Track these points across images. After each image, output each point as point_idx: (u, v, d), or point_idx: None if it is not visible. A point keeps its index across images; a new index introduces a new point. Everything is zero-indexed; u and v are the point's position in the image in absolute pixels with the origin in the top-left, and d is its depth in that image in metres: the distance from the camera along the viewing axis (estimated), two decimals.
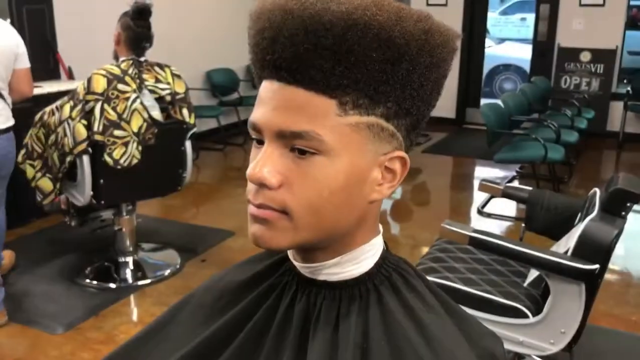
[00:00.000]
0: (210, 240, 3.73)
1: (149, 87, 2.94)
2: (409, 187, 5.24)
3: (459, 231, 1.97)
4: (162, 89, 2.99)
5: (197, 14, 6.05)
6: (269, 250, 0.68)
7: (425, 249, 3.77)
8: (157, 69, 3.03)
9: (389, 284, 0.68)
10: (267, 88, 0.62)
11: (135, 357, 0.80)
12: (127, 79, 2.83)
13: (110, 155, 2.81)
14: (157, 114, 2.95)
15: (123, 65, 2.87)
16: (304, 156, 0.60)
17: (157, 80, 2.99)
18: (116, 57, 2.98)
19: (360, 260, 0.68)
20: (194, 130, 3.21)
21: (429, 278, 2.03)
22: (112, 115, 2.77)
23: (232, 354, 0.71)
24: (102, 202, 2.98)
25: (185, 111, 3.10)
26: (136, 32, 2.92)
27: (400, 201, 4.96)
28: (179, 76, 3.10)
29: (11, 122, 2.82)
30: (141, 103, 2.87)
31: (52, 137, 2.88)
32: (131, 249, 3.35)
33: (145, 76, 2.94)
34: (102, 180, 2.89)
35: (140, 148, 2.88)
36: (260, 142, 0.63)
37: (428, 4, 7.04)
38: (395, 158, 0.64)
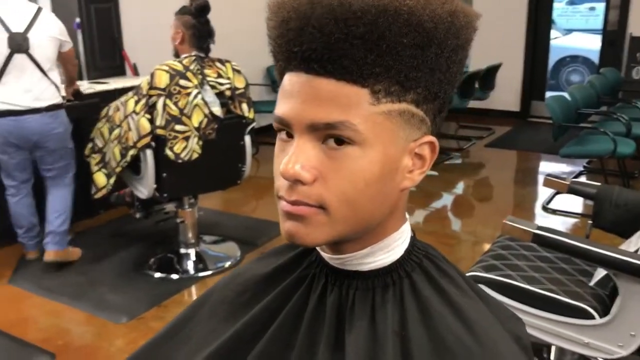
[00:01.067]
0: (269, 233, 3.76)
1: (211, 83, 2.99)
2: (470, 182, 5.14)
3: (522, 228, 1.90)
4: (223, 84, 3.03)
5: (258, 10, 6.08)
6: (305, 246, 0.66)
7: (486, 246, 3.68)
8: (218, 64, 3.07)
9: (420, 270, 0.67)
10: (294, 80, 0.60)
11: (158, 356, 0.79)
12: (189, 74, 2.89)
13: (171, 149, 2.87)
14: (217, 109, 2.99)
15: (185, 62, 2.93)
16: (339, 147, 0.59)
17: (219, 76, 3.03)
18: (177, 56, 3.03)
19: (391, 248, 0.67)
20: (253, 124, 3.24)
21: (491, 276, 1.98)
22: (174, 110, 2.83)
23: (262, 350, 0.70)
24: (165, 195, 3.06)
25: (244, 106, 3.13)
26: (200, 29, 2.97)
27: (462, 196, 4.87)
28: (239, 71, 3.14)
29: (55, 100, 3.13)
30: (202, 99, 2.92)
31: (116, 132, 2.96)
32: (193, 241, 3.42)
33: (207, 71, 2.99)
34: (164, 174, 2.96)
35: (200, 143, 2.93)
36: (287, 140, 0.62)
37: None
38: (425, 143, 0.64)
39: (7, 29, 2.95)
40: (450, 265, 0.70)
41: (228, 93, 3.06)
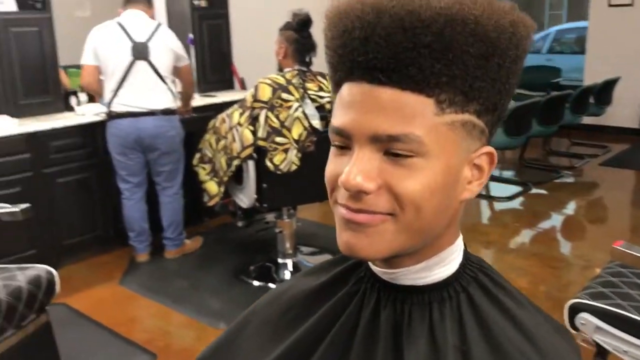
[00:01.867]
0: None
1: (312, 96, 3.03)
2: (582, 203, 4.85)
3: (635, 254, 1.76)
4: (323, 97, 3.06)
5: None
6: (364, 259, 0.64)
7: (597, 272, 3.46)
8: (320, 77, 3.11)
9: (476, 284, 0.67)
10: (355, 90, 0.60)
11: None
12: (291, 88, 2.94)
13: (271, 160, 2.93)
14: (317, 122, 3.02)
15: (288, 75, 2.99)
16: (400, 159, 0.58)
17: (320, 89, 3.07)
18: (280, 70, 3.11)
19: (447, 262, 0.67)
20: None
21: (599, 304, 1.84)
22: (275, 123, 2.89)
23: None
24: (265, 205, 3.12)
25: None
26: (303, 43, 3.03)
27: (573, 217, 4.60)
28: None
29: (170, 105, 3.39)
30: (303, 112, 2.96)
31: (222, 142, 3.07)
32: (291, 251, 3.46)
33: (308, 85, 3.04)
34: (264, 184, 3.03)
35: (299, 155, 2.97)
36: (344, 148, 0.61)
37: (610, 5, 6.47)
38: (484, 154, 0.63)
39: (131, 39, 3.26)
40: (503, 279, 0.69)
41: (328, 106, 3.09)
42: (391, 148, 0.58)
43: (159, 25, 3.38)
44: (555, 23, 14.87)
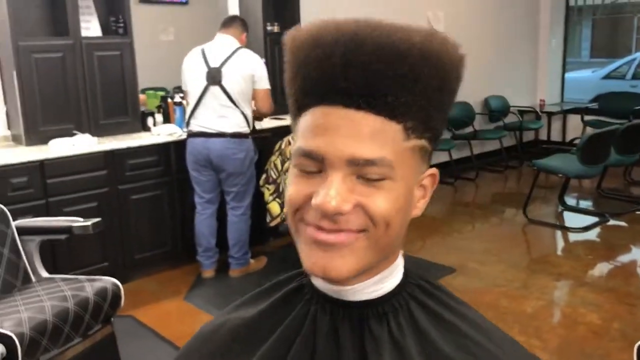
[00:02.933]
0: (430, 275, 3.66)
1: None
2: None
3: None
4: None
5: None
6: (336, 280, 0.63)
7: None
8: None
9: (419, 290, 0.70)
10: (331, 114, 0.61)
11: None
12: None
13: None
14: None
15: None
16: (371, 181, 0.61)
17: None
18: None
19: (395, 273, 0.70)
20: None
21: None
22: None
23: None
24: None
25: None
26: None
27: None
28: None
29: (241, 129, 3.45)
30: None
31: (287, 164, 3.13)
32: None
33: None
34: None
35: None
36: (310, 172, 0.62)
37: None
38: (429, 175, 0.68)
39: (207, 64, 3.41)
40: (437, 282, 0.74)
41: None
42: (365, 172, 0.60)
43: (237, 49, 3.46)
44: None
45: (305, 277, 0.73)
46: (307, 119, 0.63)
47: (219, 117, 3.42)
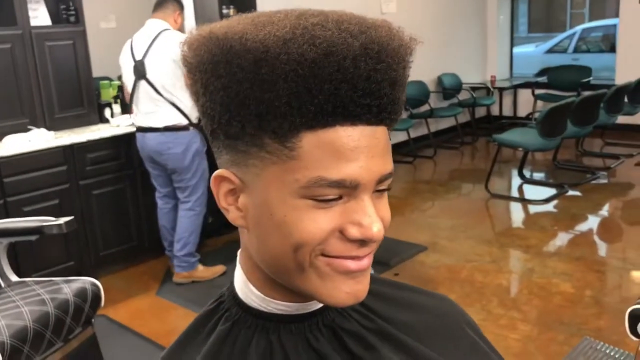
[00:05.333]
0: (402, 254, 3.69)
1: None
2: (619, 204, 4.75)
3: None
4: None
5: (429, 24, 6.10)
6: (356, 303, 0.60)
7: (638, 273, 3.37)
8: None
9: None
10: (354, 134, 0.53)
11: None
12: None
13: None
14: None
15: None
16: (382, 193, 0.58)
17: None
18: None
19: None
20: None
21: None
22: None
23: None
24: None
25: None
26: None
27: (610, 219, 4.50)
28: None
29: (174, 122, 3.20)
30: None
31: None
32: None
33: None
34: None
35: None
36: (333, 200, 0.54)
37: None
38: None
39: (133, 57, 3.21)
40: None
41: None
42: (381, 185, 0.57)
43: (159, 34, 3.15)
44: (577, 22, 14.68)
45: (228, 311, 0.65)
46: (323, 142, 0.53)
47: (149, 112, 3.21)
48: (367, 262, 0.57)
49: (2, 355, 1.82)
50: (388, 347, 0.65)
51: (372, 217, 0.54)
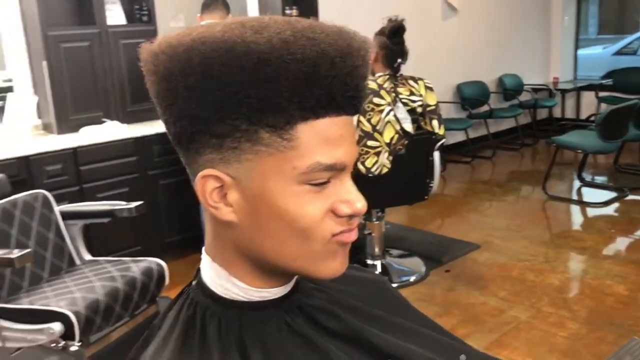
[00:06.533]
0: (455, 252, 3.74)
1: (403, 100, 3.08)
2: None
3: None
4: (415, 102, 3.11)
5: (449, 30, 6.11)
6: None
7: None
8: (411, 82, 3.16)
9: None
10: (338, 123, 0.61)
11: None
12: (383, 93, 3.01)
13: (363, 163, 3.00)
14: (408, 125, 3.07)
15: (379, 80, 3.06)
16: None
17: (411, 93, 3.12)
18: (372, 73, 3.18)
19: None
20: (443, 141, 3.26)
21: None
22: (367, 127, 2.97)
23: None
24: None
25: (435, 122, 3.18)
26: (392, 50, 3.09)
27: None
28: (431, 88, 3.19)
29: None
30: (394, 115, 3.02)
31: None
32: (379, 253, 3.52)
33: (400, 89, 3.09)
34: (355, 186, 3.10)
35: (390, 158, 3.03)
36: (323, 183, 0.62)
37: None
38: None
39: None
40: None
41: (419, 110, 3.13)
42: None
43: None
44: None
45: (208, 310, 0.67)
46: (316, 131, 0.60)
47: None
48: (355, 233, 0.66)
49: (78, 323, 2.01)
50: (349, 314, 0.74)
51: (356, 195, 0.63)
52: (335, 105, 0.60)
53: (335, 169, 0.61)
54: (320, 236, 0.62)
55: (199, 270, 0.70)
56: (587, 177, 5.32)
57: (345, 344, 0.71)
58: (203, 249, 0.69)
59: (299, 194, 0.60)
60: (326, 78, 0.58)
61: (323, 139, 0.60)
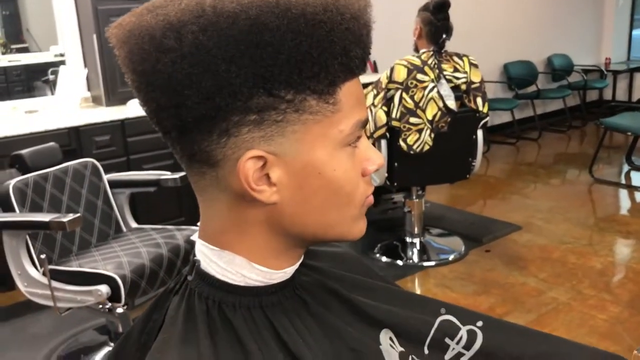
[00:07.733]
0: (495, 232, 3.71)
1: (447, 77, 3.06)
2: None
3: None
4: (459, 78, 3.08)
5: (497, 7, 5.99)
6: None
7: None
8: (455, 58, 3.13)
9: None
10: (359, 84, 0.62)
11: None
12: (427, 69, 2.99)
13: (404, 140, 3.00)
14: (452, 103, 3.05)
15: (423, 56, 3.03)
16: None
17: (455, 70, 3.08)
18: (416, 50, 3.16)
19: None
20: (487, 119, 3.23)
21: None
22: (410, 104, 2.96)
23: None
24: (395, 184, 3.21)
25: (479, 100, 3.14)
26: (437, 25, 3.06)
27: None
28: (476, 65, 3.15)
29: None
30: (437, 92, 3.00)
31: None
32: (418, 231, 3.52)
33: (444, 66, 3.07)
34: (396, 164, 3.11)
35: (432, 135, 3.01)
36: (354, 142, 0.62)
37: None
38: None
39: None
40: None
41: (463, 87, 3.10)
42: None
43: None
44: None
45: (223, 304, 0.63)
46: (352, 92, 0.60)
47: None
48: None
49: (124, 286, 2.09)
50: (342, 287, 0.74)
51: (374, 150, 0.64)
52: (364, 63, 0.61)
53: (364, 126, 0.62)
54: (359, 199, 0.63)
55: (194, 262, 0.65)
56: (637, 161, 5.18)
57: (348, 317, 0.71)
58: (198, 240, 0.65)
59: (342, 158, 0.60)
60: (362, 36, 0.59)
61: (355, 97, 0.60)
